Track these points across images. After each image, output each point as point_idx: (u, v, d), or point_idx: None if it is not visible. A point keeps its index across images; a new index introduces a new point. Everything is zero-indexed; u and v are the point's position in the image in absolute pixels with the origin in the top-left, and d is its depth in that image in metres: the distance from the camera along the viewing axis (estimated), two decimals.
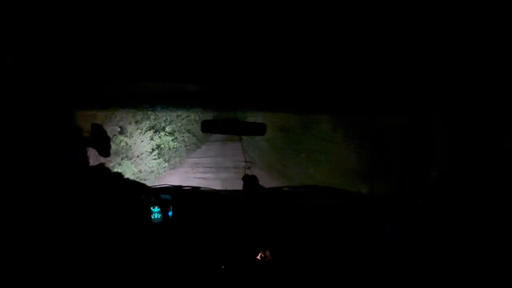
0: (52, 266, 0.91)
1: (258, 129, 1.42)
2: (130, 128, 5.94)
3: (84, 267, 1.11)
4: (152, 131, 7.14)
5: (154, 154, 6.89)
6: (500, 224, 1.25)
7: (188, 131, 10.30)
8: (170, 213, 1.53)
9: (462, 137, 1.34)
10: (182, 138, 9.47)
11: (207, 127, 1.44)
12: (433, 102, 1.52)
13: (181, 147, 8.94)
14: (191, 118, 10.18)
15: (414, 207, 1.60)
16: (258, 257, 1.54)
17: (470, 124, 1.34)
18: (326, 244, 1.56)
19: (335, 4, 1.01)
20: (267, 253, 1.54)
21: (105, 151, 1.17)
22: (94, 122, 1.06)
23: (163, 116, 7.62)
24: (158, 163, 7.20)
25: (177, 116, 8.87)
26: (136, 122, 6.55)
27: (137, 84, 1.38)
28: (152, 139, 6.94)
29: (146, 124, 6.89)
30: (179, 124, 9.32)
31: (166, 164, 7.76)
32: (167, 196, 1.51)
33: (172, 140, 8.16)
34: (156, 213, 1.57)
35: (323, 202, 1.69)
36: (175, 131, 8.75)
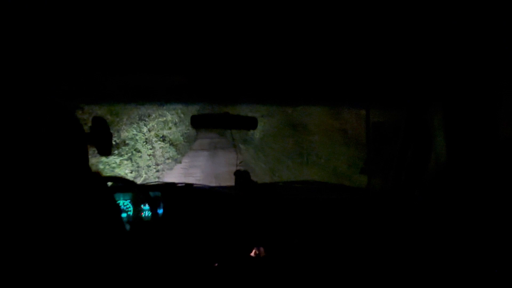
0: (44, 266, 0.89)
1: (249, 123, 1.41)
2: None
3: (73, 266, 1.08)
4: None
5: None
6: (499, 220, 1.24)
7: (163, 139, 8.26)
8: (160, 211, 1.51)
9: (460, 132, 1.32)
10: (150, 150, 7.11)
11: (197, 122, 1.42)
12: (430, 96, 1.51)
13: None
14: (166, 120, 8.47)
15: (410, 202, 1.59)
16: (252, 254, 1.52)
17: (468, 118, 1.33)
18: (322, 240, 1.54)
19: None
20: (261, 250, 1.52)
21: (105, 149, 1.08)
22: (96, 116, 1.01)
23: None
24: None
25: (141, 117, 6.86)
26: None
27: (117, 77, 1.36)
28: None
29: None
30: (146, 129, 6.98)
31: None
32: (157, 193, 1.49)
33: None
34: (145, 211, 1.55)
35: (319, 197, 1.68)
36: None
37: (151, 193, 1.43)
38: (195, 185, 1.63)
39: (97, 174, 1.04)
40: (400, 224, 1.51)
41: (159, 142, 8.00)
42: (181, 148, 9.83)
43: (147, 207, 1.48)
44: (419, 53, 1.31)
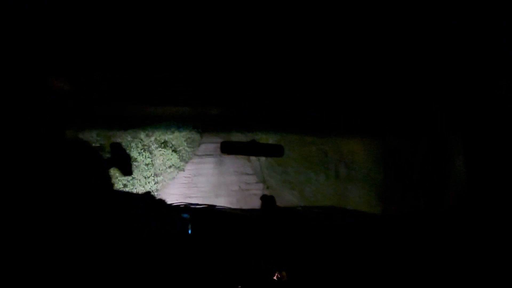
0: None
1: (275, 150, 1.50)
2: None
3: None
4: None
5: None
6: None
7: (164, 145, 7.84)
8: (189, 231, 1.59)
9: (480, 157, 1.39)
10: None
11: (226, 148, 1.51)
12: (449, 122, 1.58)
13: None
14: (168, 123, 7.91)
15: (429, 228, 1.65)
16: (275, 277, 1.59)
17: (487, 145, 1.39)
18: (342, 266, 1.60)
19: (345, 22, 1.06)
20: (284, 274, 1.59)
21: (127, 169, 1.23)
22: (113, 142, 1.12)
23: None
24: None
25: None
26: None
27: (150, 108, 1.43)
28: None
29: None
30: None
31: None
32: (186, 215, 1.58)
33: None
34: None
35: (338, 223, 1.74)
36: None
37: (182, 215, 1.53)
38: (218, 207, 1.71)
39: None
40: (418, 250, 1.56)
41: (160, 149, 7.65)
42: (185, 155, 9.21)
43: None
44: (440, 80, 1.37)
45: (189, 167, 8.94)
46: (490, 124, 1.40)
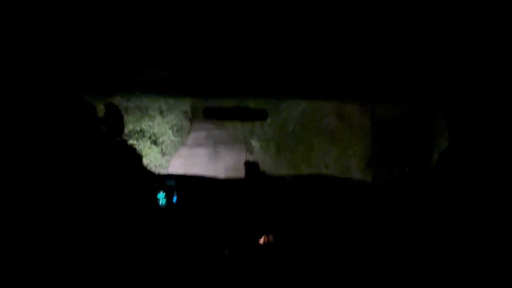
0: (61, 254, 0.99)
1: (259, 114, 1.51)
2: None
3: (89, 252, 1.19)
4: None
5: None
6: (501, 215, 1.31)
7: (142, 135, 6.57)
8: (174, 199, 1.60)
9: (462, 126, 1.40)
10: None
11: (209, 113, 1.52)
12: (434, 90, 1.58)
13: None
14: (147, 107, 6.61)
15: (414, 193, 1.66)
16: (261, 241, 1.61)
17: (470, 113, 1.41)
18: (329, 232, 1.63)
19: None
20: (270, 237, 1.61)
21: (118, 131, 1.23)
22: (108, 102, 1.13)
23: None
24: None
25: None
26: None
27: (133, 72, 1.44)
28: None
29: None
30: None
31: None
32: (172, 182, 1.59)
33: None
34: (161, 198, 1.65)
35: (325, 190, 1.76)
36: None
37: (167, 182, 1.55)
38: (205, 177, 1.73)
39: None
40: (403, 217, 1.58)
41: (135, 141, 6.28)
42: (169, 146, 7.59)
43: (162, 195, 1.57)
44: (423, 49, 1.38)
45: (175, 162, 7.46)
46: (473, 94, 1.41)
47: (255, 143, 7.31)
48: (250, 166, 1.79)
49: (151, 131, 6.76)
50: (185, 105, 7.46)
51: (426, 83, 1.67)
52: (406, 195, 1.79)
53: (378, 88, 1.83)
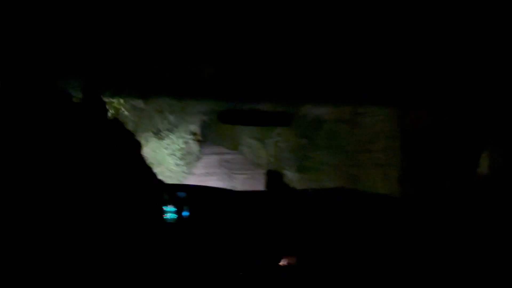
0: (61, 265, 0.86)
1: (282, 119, 1.33)
2: None
3: (93, 266, 1.03)
4: None
5: None
6: None
7: None
8: (185, 213, 1.42)
9: None
10: None
11: (226, 117, 1.35)
12: (480, 94, 1.43)
13: None
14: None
15: (455, 211, 1.48)
16: (282, 263, 1.42)
17: None
18: (355, 250, 1.44)
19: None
20: (292, 259, 1.42)
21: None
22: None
23: None
24: None
25: None
26: None
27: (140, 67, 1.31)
28: None
29: None
30: None
31: None
32: (183, 194, 1.41)
33: None
34: (170, 212, 1.47)
35: (349, 204, 1.58)
36: None
37: (177, 194, 1.38)
38: (223, 189, 1.56)
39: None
40: (444, 234, 1.40)
41: None
42: (169, 180, 5.64)
43: (170, 208, 1.39)
44: (467, 50, 1.23)
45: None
46: None
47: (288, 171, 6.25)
48: (271, 177, 1.62)
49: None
50: (192, 122, 6.09)
51: (467, 82, 1.52)
52: (445, 213, 1.62)
53: (404, 91, 1.68)
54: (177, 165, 5.76)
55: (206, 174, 6.59)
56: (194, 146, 6.69)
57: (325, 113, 5.47)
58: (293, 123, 1.66)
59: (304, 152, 5.80)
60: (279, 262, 1.54)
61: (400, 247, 1.60)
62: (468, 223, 1.56)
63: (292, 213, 1.71)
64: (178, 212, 1.50)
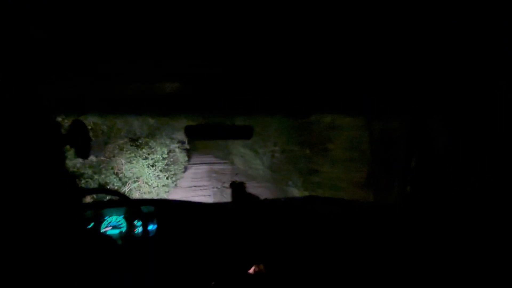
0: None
1: (244, 132, 1.37)
2: None
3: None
4: None
5: None
6: (503, 227, 1.20)
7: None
8: (152, 227, 1.43)
9: (464, 138, 1.29)
10: None
11: (191, 133, 1.37)
12: (433, 104, 1.49)
13: None
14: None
15: (416, 211, 1.53)
16: (251, 271, 1.45)
17: (471, 124, 1.30)
18: (326, 256, 1.48)
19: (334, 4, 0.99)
20: (261, 267, 1.45)
21: (83, 151, 1.06)
22: (76, 119, 0.99)
23: None
24: None
25: None
26: None
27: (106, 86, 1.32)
28: None
29: None
30: None
31: None
32: (150, 208, 1.43)
33: None
34: (138, 227, 1.48)
35: (321, 211, 1.62)
36: None
37: (144, 208, 1.37)
38: (190, 201, 1.57)
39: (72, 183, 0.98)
40: (406, 235, 1.45)
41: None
42: (150, 195, 5.19)
43: (140, 223, 1.41)
44: (422, 60, 1.29)
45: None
46: (473, 105, 1.33)
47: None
48: (236, 188, 1.65)
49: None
50: (179, 129, 5.38)
51: (423, 93, 1.59)
52: (409, 217, 1.66)
53: (372, 101, 1.74)
54: (159, 177, 5.25)
55: (194, 187, 6.10)
56: (181, 156, 6.17)
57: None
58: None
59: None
60: (249, 270, 1.56)
61: (369, 252, 1.62)
62: (434, 227, 1.61)
63: (260, 222, 1.70)
64: (144, 226, 1.39)
